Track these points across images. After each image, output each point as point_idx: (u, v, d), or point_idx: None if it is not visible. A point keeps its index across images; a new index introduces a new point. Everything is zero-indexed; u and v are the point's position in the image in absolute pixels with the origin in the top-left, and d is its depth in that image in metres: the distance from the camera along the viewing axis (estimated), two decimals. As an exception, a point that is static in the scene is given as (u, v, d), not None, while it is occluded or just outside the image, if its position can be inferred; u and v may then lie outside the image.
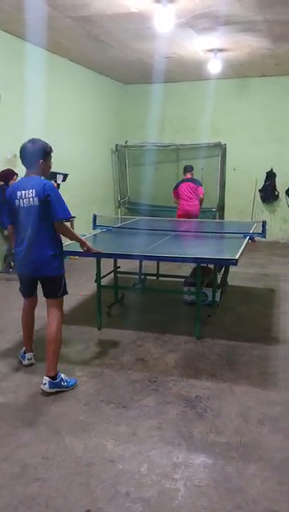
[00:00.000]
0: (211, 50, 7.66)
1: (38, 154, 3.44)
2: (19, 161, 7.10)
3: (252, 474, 2.51)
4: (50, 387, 3.34)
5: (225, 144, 10.25)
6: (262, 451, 2.71)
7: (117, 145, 10.63)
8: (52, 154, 3.60)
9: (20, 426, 2.95)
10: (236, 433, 2.90)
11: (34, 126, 7.52)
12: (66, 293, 3.68)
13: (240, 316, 5.12)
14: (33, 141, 3.50)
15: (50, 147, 3.56)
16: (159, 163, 10.77)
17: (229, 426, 2.97)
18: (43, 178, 3.51)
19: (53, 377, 3.37)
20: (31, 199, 3.36)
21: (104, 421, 3.02)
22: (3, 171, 6.86)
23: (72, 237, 3.82)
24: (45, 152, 3.49)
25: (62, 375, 3.44)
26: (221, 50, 7.63)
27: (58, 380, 3.38)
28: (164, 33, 6.37)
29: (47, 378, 3.36)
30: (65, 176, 8.09)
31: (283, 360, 3.98)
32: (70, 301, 5.58)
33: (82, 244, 3.88)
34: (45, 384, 3.34)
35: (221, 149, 10.21)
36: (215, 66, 8.13)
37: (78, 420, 3.03)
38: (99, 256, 4.42)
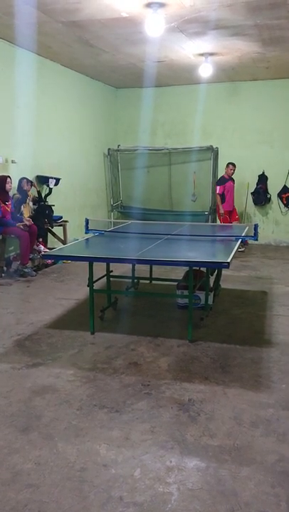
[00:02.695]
0: (201, 55, 7.71)
1: None
2: (12, 165, 7.14)
3: (245, 477, 2.52)
4: None
5: (217, 148, 10.29)
6: (255, 454, 2.72)
7: (109, 149, 10.65)
8: None
9: (12, 432, 2.93)
10: (229, 436, 2.90)
11: (25, 131, 7.56)
12: None
13: (233, 319, 5.13)
14: None
15: None
16: (152, 167, 10.80)
17: (222, 429, 2.97)
18: None
19: None
20: None
21: (97, 425, 3.01)
22: None
23: None
24: None
25: None
26: (211, 54, 7.67)
27: None
28: (154, 38, 6.41)
29: None
30: (58, 181, 8.10)
31: (276, 363, 3.99)
32: (62, 306, 5.57)
33: None
34: None
35: (212, 153, 10.25)
36: (206, 70, 8.17)
37: (71, 425, 3.01)
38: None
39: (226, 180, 9.30)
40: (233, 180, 9.49)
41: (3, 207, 6.80)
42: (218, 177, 10.42)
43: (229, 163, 9.36)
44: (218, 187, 9.31)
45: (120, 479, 2.49)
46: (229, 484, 2.46)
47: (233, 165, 9.36)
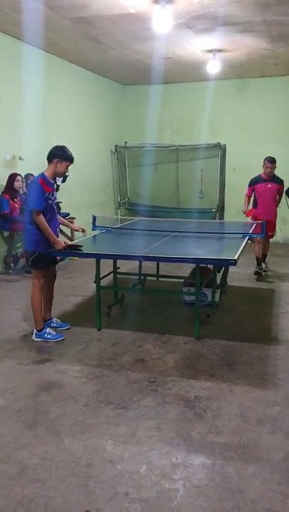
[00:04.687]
0: (209, 51, 7.67)
1: (48, 157, 4.38)
2: (19, 162, 7.18)
3: (251, 474, 2.51)
4: (35, 337, 4.35)
5: (224, 145, 10.26)
6: (261, 452, 2.71)
7: (116, 146, 10.65)
8: (60, 160, 4.34)
9: (19, 427, 2.95)
10: (235, 433, 2.90)
11: (33, 128, 7.56)
12: (38, 267, 4.37)
13: (239, 316, 5.12)
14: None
15: (60, 153, 4.35)
16: (159, 164, 10.78)
17: (228, 426, 2.97)
18: (45, 173, 4.35)
19: (39, 330, 4.35)
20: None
21: (103, 422, 3.02)
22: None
23: (44, 229, 4.23)
24: (52, 155, 4.35)
25: (48, 330, 4.38)
26: (219, 50, 7.63)
27: (42, 333, 4.34)
28: (162, 34, 6.38)
29: (34, 330, 4.38)
30: (65, 177, 8.07)
31: (283, 360, 3.97)
32: (69, 302, 5.59)
33: (53, 241, 4.30)
34: (33, 335, 4.38)
35: (220, 150, 10.22)
36: (214, 67, 8.13)
37: (78, 421, 3.02)
38: (76, 254, 4.83)
39: (259, 181, 7.15)
40: (278, 182, 7.17)
41: (12, 203, 6.83)
42: (226, 175, 10.39)
43: (265, 159, 7.13)
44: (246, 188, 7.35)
45: (126, 475, 2.50)
46: (235, 481, 2.46)
47: (270, 161, 7.01)
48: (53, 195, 4.36)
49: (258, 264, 7.07)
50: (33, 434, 2.88)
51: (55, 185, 4.49)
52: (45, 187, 4.23)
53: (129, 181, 11.03)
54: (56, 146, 4.36)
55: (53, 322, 4.65)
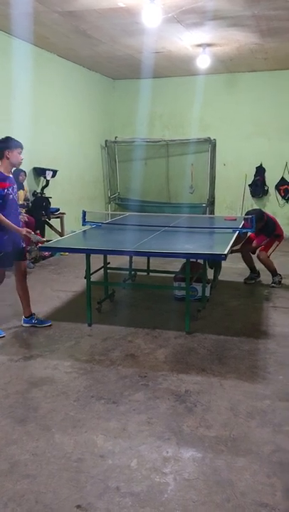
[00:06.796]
0: (199, 45, 7.66)
1: None
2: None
3: (241, 467, 2.53)
4: None
5: (214, 139, 10.27)
6: (251, 445, 2.74)
7: (106, 141, 10.61)
8: (9, 150, 4.17)
9: (10, 423, 2.95)
10: (225, 427, 2.92)
11: (22, 123, 7.50)
12: None
13: (229, 311, 5.14)
14: None
15: (7, 144, 4.18)
16: (149, 159, 10.77)
17: (218, 420, 2.99)
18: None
19: None
20: None
21: (94, 417, 3.03)
22: None
23: (6, 224, 4.19)
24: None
25: None
26: (209, 45, 7.62)
27: None
28: (152, 28, 6.36)
29: None
30: (55, 172, 8.07)
31: (272, 354, 4.00)
32: (59, 298, 5.58)
33: (17, 231, 4.29)
34: None
35: (210, 144, 10.23)
36: (204, 61, 8.12)
37: (68, 416, 3.03)
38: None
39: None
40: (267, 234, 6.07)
41: None
42: (216, 169, 10.40)
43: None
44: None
45: (117, 470, 2.51)
46: (225, 474, 2.48)
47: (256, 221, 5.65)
48: (13, 189, 4.26)
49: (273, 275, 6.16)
50: (24, 429, 2.88)
51: (13, 178, 4.36)
52: (1, 183, 4.14)
53: (120, 176, 11.01)
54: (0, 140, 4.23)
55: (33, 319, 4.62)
